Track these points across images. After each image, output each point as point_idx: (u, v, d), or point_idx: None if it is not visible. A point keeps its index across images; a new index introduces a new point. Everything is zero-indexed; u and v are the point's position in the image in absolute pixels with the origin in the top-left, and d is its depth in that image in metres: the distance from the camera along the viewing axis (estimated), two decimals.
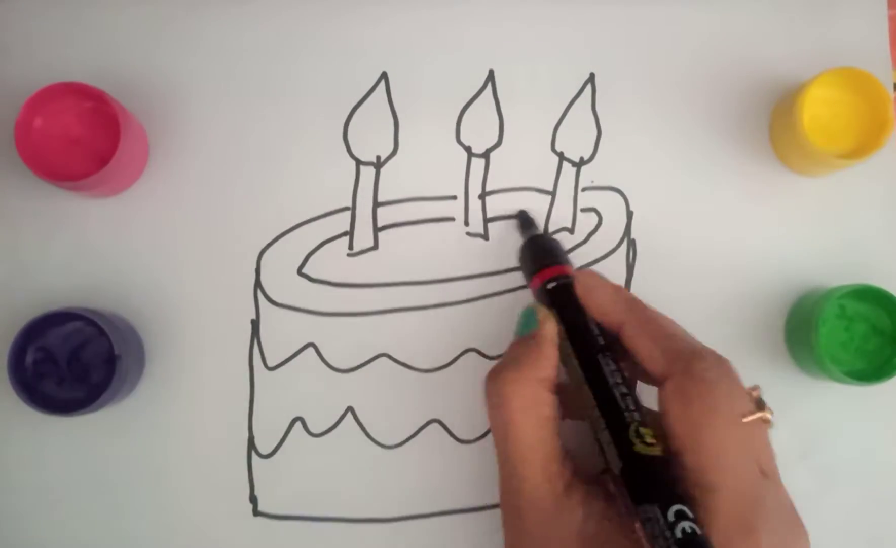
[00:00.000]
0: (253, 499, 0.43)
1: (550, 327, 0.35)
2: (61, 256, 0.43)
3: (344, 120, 0.44)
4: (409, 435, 0.43)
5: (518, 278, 0.43)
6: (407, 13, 0.45)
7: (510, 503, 0.33)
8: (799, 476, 0.43)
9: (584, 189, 0.44)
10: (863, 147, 0.42)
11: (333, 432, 0.43)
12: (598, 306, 0.35)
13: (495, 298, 0.43)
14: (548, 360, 0.34)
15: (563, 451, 0.32)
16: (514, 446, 0.32)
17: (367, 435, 0.43)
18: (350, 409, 0.43)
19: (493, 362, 0.43)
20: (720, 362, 0.31)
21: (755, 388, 0.32)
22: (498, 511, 0.42)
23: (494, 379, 0.33)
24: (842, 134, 0.43)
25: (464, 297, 0.43)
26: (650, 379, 0.34)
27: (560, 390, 0.34)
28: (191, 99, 0.44)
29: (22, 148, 0.40)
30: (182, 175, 0.44)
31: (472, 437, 0.43)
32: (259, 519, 0.42)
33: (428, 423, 0.43)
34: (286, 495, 0.43)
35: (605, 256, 0.44)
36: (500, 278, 0.44)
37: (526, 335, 0.35)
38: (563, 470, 0.32)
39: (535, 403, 0.32)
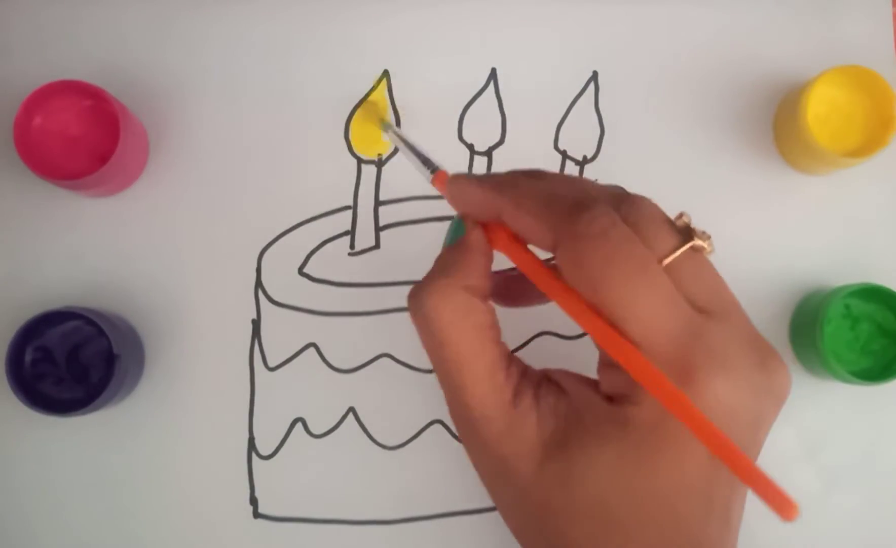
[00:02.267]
0: (253, 501, 0.42)
1: (478, 235, 0.30)
2: (60, 255, 0.43)
3: (346, 118, 0.44)
4: (410, 436, 0.43)
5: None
6: (409, 11, 0.45)
7: (462, 423, 0.29)
8: (804, 476, 0.43)
9: None
10: (867, 145, 0.42)
11: (335, 433, 0.43)
12: (470, 208, 0.31)
13: None
14: (476, 267, 0.29)
15: (506, 357, 0.29)
16: (451, 362, 0.28)
17: (369, 436, 0.43)
18: (351, 409, 0.43)
19: None
20: (610, 209, 0.27)
21: (680, 215, 0.28)
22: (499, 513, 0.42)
23: (417, 292, 0.29)
24: (846, 132, 0.42)
25: None
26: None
27: (499, 283, 0.31)
28: (191, 97, 0.44)
29: (21, 146, 0.40)
30: (182, 174, 0.44)
31: None
32: (259, 521, 0.42)
33: (430, 424, 0.43)
34: (287, 496, 0.42)
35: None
36: None
37: (452, 246, 0.31)
38: (508, 377, 0.28)
39: (465, 312, 0.28)
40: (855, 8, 0.45)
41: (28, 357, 0.40)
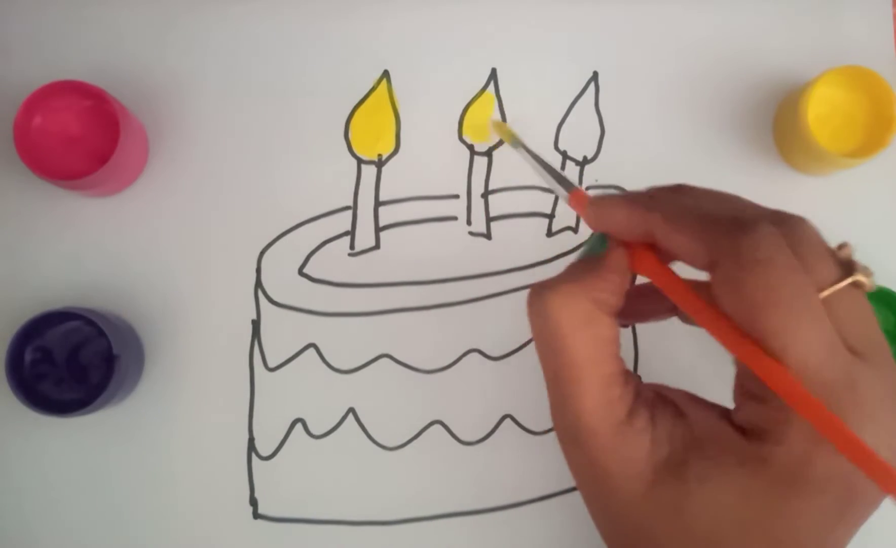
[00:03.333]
0: (253, 501, 0.42)
1: (620, 255, 0.28)
2: (60, 255, 0.43)
3: (345, 118, 0.44)
4: (410, 437, 0.43)
5: (520, 278, 0.43)
6: (409, 11, 0.45)
7: (567, 432, 0.28)
8: None
9: (587, 188, 0.44)
10: (868, 146, 0.42)
11: (334, 433, 0.43)
12: (615, 229, 0.29)
13: (498, 299, 0.43)
14: (611, 285, 0.28)
15: (624, 373, 0.28)
16: (566, 369, 0.27)
17: (369, 437, 0.43)
18: (351, 410, 0.43)
19: (496, 364, 0.43)
20: (775, 232, 0.25)
21: (843, 246, 0.26)
22: (499, 514, 0.42)
23: (539, 291, 0.28)
24: (847, 133, 0.42)
25: (466, 297, 0.43)
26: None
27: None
28: (191, 97, 0.44)
29: (21, 147, 0.40)
30: (182, 174, 0.44)
31: (474, 438, 0.43)
32: (259, 522, 0.42)
33: (430, 424, 0.43)
34: (287, 497, 0.42)
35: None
36: (503, 278, 0.43)
37: (588, 256, 0.29)
38: (624, 394, 0.27)
39: (590, 321, 0.27)
40: (855, 8, 0.45)
41: (28, 357, 0.40)
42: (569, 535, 0.42)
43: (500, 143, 0.44)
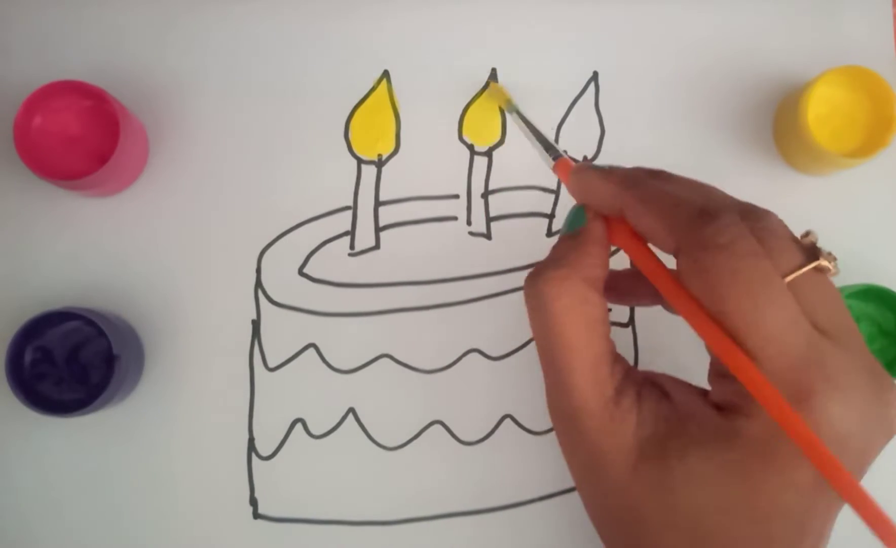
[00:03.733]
0: (253, 501, 0.42)
1: (599, 226, 0.30)
2: (60, 255, 0.43)
3: (345, 118, 0.44)
4: (411, 437, 0.43)
5: (520, 278, 0.43)
6: (409, 11, 0.45)
7: (560, 412, 0.29)
8: None
9: None
10: (868, 146, 0.42)
11: (335, 433, 0.43)
12: (593, 200, 0.30)
13: (498, 299, 0.43)
14: (595, 258, 0.29)
15: (613, 353, 0.29)
16: (559, 350, 0.28)
17: (369, 437, 0.43)
18: (351, 410, 0.43)
19: (496, 364, 0.43)
20: (738, 219, 0.26)
21: (807, 233, 0.27)
22: (499, 515, 0.42)
23: (534, 279, 0.29)
24: (846, 133, 0.42)
25: (466, 297, 0.43)
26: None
27: (611, 280, 0.31)
28: (191, 97, 0.44)
29: (21, 147, 0.40)
30: (182, 174, 0.44)
31: (474, 438, 0.43)
32: (259, 522, 0.42)
33: (430, 424, 0.43)
34: (287, 497, 0.42)
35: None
36: (503, 278, 0.43)
37: (570, 233, 0.30)
38: (613, 373, 0.28)
39: (581, 303, 0.28)
40: (855, 8, 0.45)
41: (28, 357, 0.40)
42: (569, 535, 0.42)
43: (501, 142, 0.44)
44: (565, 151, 0.34)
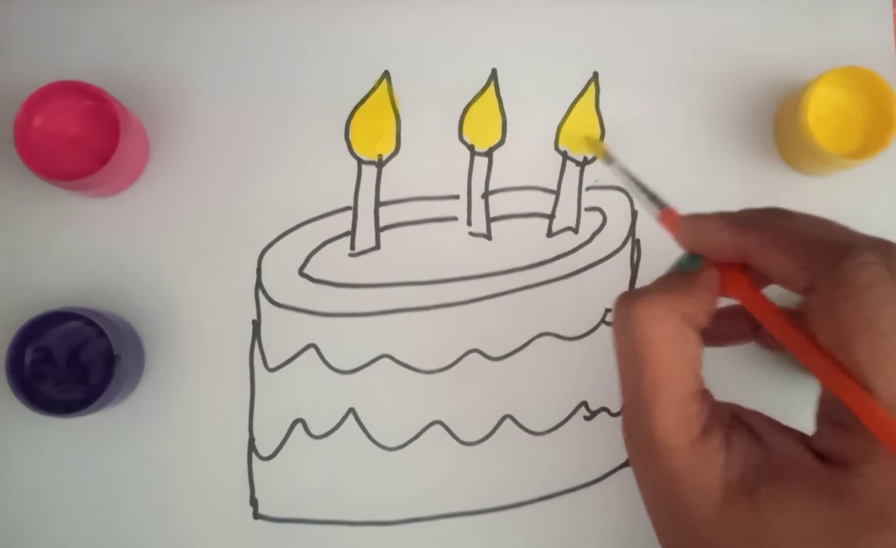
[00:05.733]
0: (253, 502, 0.42)
1: (712, 275, 0.28)
2: (60, 255, 0.43)
3: (346, 119, 0.44)
4: (411, 437, 0.43)
5: (520, 278, 0.43)
6: (409, 12, 0.45)
7: (639, 442, 0.27)
8: None
9: (588, 188, 0.44)
10: (868, 146, 0.42)
11: (335, 433, 0.43)
12: (708, 249, 0.29)
13: (498, 299, 0.43)
14: (702, 302, 0.27)
15: (702, 391, 0.27)
16: (648, 381, 0.26)
17: (369, 437, 0.43)
18: (352, 410, 0.43)
19: (496, 364, 0.43)
20: (876, 260, 0.24)
21: None
22: (499, 515, 0.42)
23: (630, 300, 0.27)
24: (847, 133, 0.42)
25: (466, 297, 0.43)
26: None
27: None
28: (191, 98, 0.44)
29: (21, 147, 0.40)
30: (182, 174, 0.44)
31: (474, 439, 0.43)
32: (259, 522, 0.42)
33: (430, 425, 0.43)
34: (287, 497, 0.42)
35: (609, 256, 0.44)
36: (503, 279, 0.43)
37: (681, 270, 0.29)
38: (701, 411, 0.26)
39: (677, 336, 0.26)
40: (855, 8, 0.45)
41: (28, 358, 0.40)
42: (569, 534, 0.42)
43: (501, 143, 0.44)
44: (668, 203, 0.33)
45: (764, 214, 0.28)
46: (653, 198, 0.33)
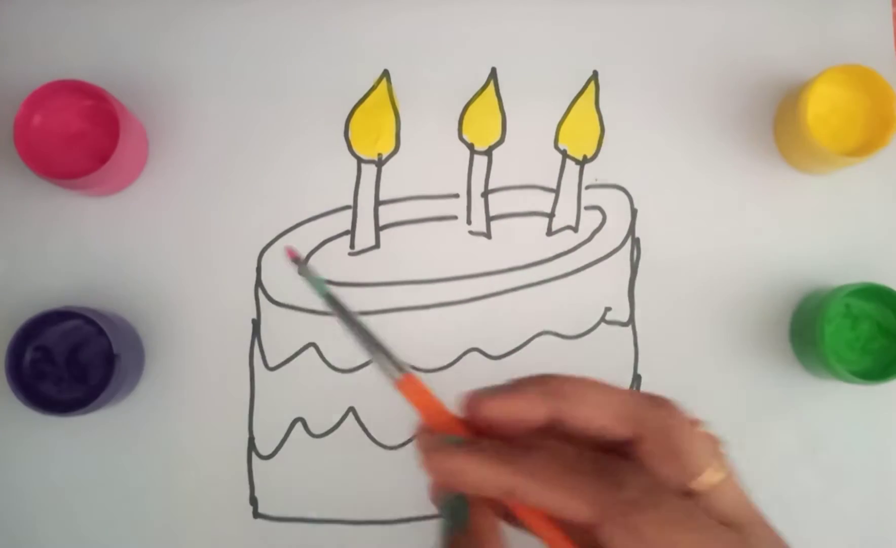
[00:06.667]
0: (253, 501, 0.42)
1: (486, 517, 0.26)
2: (60, 254, 0.43)
3: (345, 118, 0.44)
4: (411, 436, 0.43)
5: (521, 277, 0.43)
6: (409, 11, 0.45)
7: None
8: (805, 475, 0.42)
9: (587, 187, 0.44)
10: (868, 145, 0.42)
11: (335, 432, 0.43)
12: (470, 487, 0.26)
13: (498, 298, 0.43)
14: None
15: None
16: None
17: (369, 436, 0.43)
18: (351, 409, 0.43)
19: (496, 363, 0.43)
20: (651, 476, 0.25)
21: (697, 421, 0.27)
22: None
23: None
24: (846, 132, 0.42)
25: (466, 296, 0.43)
26: None
27: None
28: (191, 97, 0.44)
29: (21, 146, 0.40)
30: (182, 174, 0.44)
31: None
32: (259, 521, 0.42)
33: None
34: (287, 496, 0.42)
35: (609, 255, 0.44)
36: (503, 277, 0.43)
37: (457, 533, 0.26)
38: None
39: None
40: (855, 8, 0.45)
41: (28, 357, 0.40)
42: None
43: (500, 142, 0.44)
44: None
45: (519, 448, 0.25)
46: (388, 361, 0.28)
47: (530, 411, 0.26)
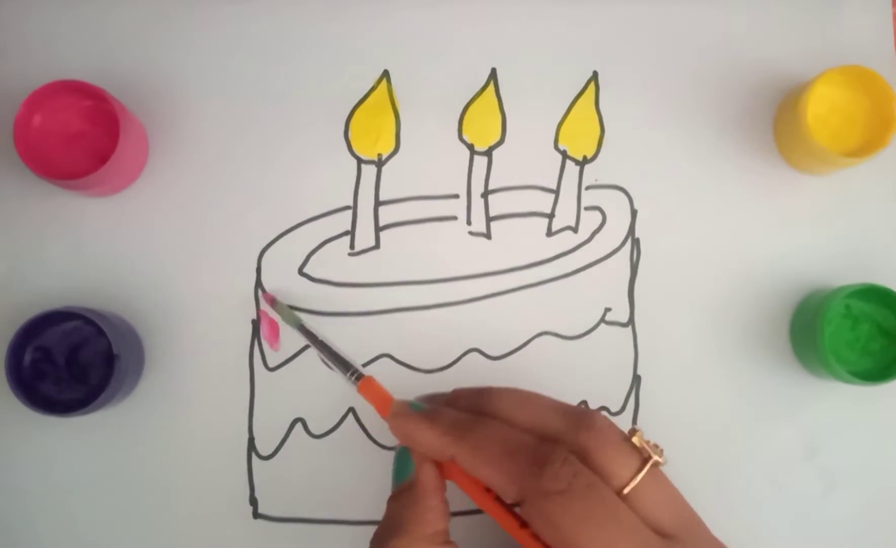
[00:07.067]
0: (253, 501, 0.42)
1: (430, 473, 0.31)
2: (60, 255, 0.43)
3: (345, 118, 0.44)
4: None
5: (521, 278, 0.43)
6: (408, 10, 0.45)
7: None
8: (804, 477, 0.42)
9: (587, 187, 0.44)
10: (867, 145, 0.42)
11: (335, 433, 0.43)
12: (420, 448, 0.31)
13: (498, 298, 0.43)
14: (434, 512, 0.30)
15: None
16: None
17: (369, 436, 0.43)
18: (351, 410, 0.43)
19: (496, 364, 0.43)
20: (570, 458, 0.27)
21: (633, 432, 0.29)
22: None
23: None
24: (846, 132, 0.42)
25: (466, 297, 0.43)
26: None
27: None
28: (191, 97, 0.44)
29: (21, 146, 0.40)
30: (182, 174, 0.44)
31: None
32: (259, 521, 0.42)
33: None
34: (287, 497, 0.42)
35: (609, 255, 0.44)
36: (503, 278, 0.43)
37: (404, 487, 0.32)
38: None
39: None
40: (855, 8, 0.45)
41: (28, 357, 0.40)
42: None
43: (500, 142, 0.44)
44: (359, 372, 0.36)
45: (469, 419, 0.30)
46: (346, 367, 0.36)
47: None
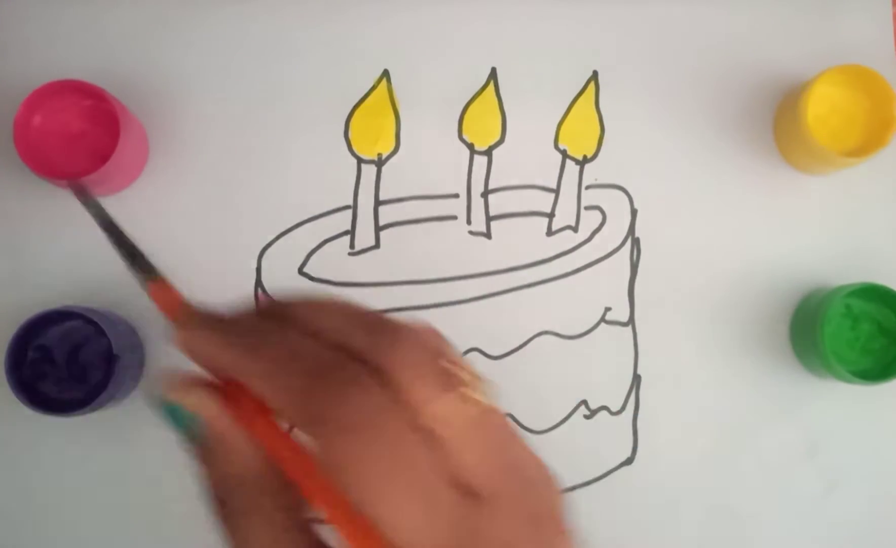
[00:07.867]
0: None
1: (221, 420, 0.24)
2: (60, 254, 0.43)
3: (345, 118, 0.44)
4: None
5: (521, 277, 0.43)
6: (409, 11, 0.45)
7: None
8: (805, 475, 0.42)
9: (587, 187, 0.44)
10: (867, 145, 0.42)
11: None
12: (209, 370, 0.25)
13: (498, 298, 0.43)
14: (236, 466, 0.24)
15: None
16: None
17: None
18: None
19: (496, 363, 0.43)
20: (358, 372, 0.21)
21: (456, 363, 0.23)
22: None
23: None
24: (846, 132, 0.42)
25: (466, 296, 0.43)
26: None
27: None
28: (191, 98, 0.44)
29: (21, 146, 0.40)
30: (182, 174, 0.44)
31: None
32: None
33: None
34: None
35: (609, 255, 0.44)
36: (503, 277, 0.43)
37: (196, 442, 0.25)
38: None
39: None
40: (855, 8, 0.45)
41: (28, 357, 0.40)
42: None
43: (500, 141, 0.44)
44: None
45: (265, 332, 0.24)
46: (142, 266, 0.27)
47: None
